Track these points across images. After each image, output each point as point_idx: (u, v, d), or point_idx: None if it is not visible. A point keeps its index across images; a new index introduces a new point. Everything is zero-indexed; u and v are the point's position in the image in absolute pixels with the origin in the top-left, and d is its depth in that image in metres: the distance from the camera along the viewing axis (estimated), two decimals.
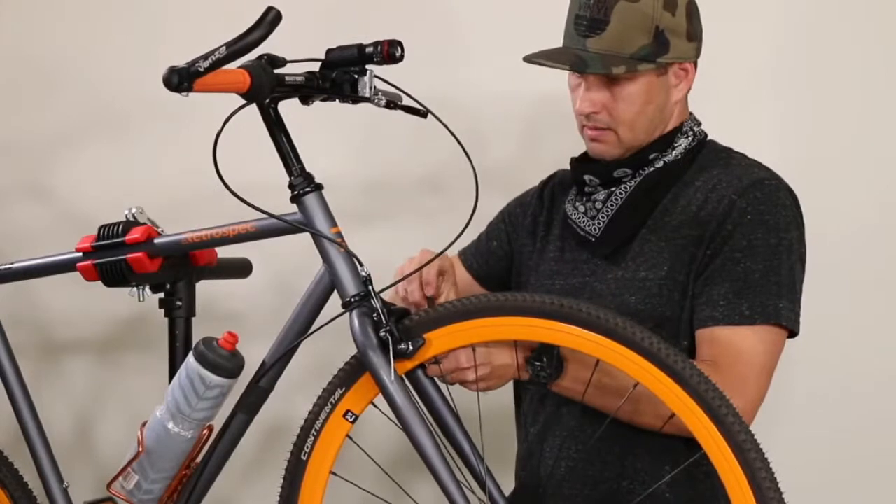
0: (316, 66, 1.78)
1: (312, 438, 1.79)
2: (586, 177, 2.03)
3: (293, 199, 1.80)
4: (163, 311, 2.02)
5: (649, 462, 1.94)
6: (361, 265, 1.77)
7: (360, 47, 1.76)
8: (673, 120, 2.02)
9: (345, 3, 2.70)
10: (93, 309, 2.79)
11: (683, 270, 1.95)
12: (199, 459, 1.89)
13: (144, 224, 1.94)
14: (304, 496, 1.80)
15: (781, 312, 1.89)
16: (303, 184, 1.79)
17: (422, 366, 1.78)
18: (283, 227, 1.80)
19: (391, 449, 2.36)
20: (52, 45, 2.86)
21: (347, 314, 1.75)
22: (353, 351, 1.75)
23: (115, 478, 1.90)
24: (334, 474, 1.81)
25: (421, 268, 1.90)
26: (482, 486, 1.77)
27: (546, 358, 1.85)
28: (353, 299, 1.75)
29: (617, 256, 2.01)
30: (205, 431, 1.88)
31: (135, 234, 1.92)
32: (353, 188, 2.66)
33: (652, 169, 2.00)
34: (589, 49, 1.94)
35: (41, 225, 2.81)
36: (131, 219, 1.95)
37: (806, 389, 2.50)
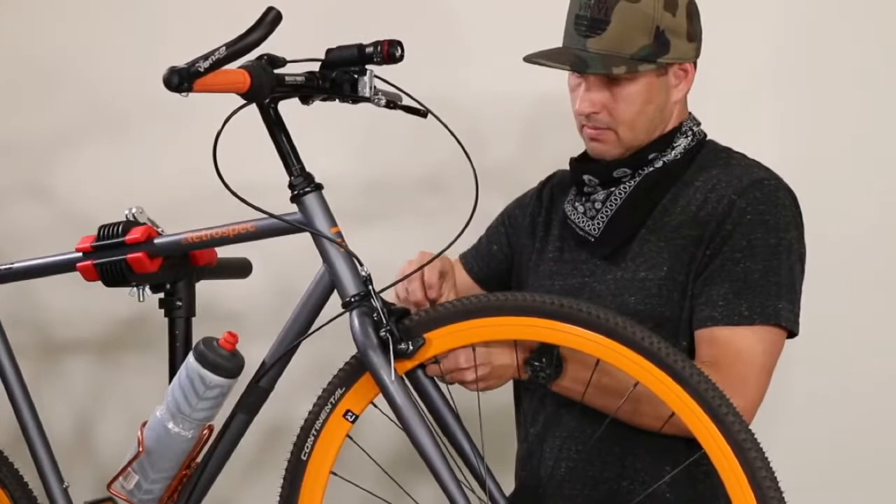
0: (316, 66, 1.79)
1: (312, 438, 1.80)
2: (585, 177, 2.03)
3: (293, 199, 1.80)
4: (163, 311, 2.02)
5: (649, 462, 1.94)
6: (361, 265, 1.77)
7: (360, 47, 1.76)
8: (672, 120, 2.02)
9: (345, 3, 2.70)
10: (93, 309, 2.79)
11: (683, 271, 1.95)
12: (199, 459, 1.89)
13: (144, 224, 1.94)
14: (304, 496, 1.80)
15: (781, 313, 1.89)
16: (303, 184, 1.79)
17: (422, 365, 1.78)
18: (283, 227, 1.80)
19: (391, 449, 2.36)
20: (52, 45, 2.86)
21: (347, 314, 1.75)
22: (353, 351, 1.75)
23: (116, 478, 1.90)
24: (334, 474, 1.81)
25: (422, 267, 1.90)
26: (482, 485, 1.77)
27: (545, 358, 1.85)
28: (353, 299, 1.75)
29: (616, 257, 2.01)
30: (205, 431, 1.88)
31: (135, 234, 1.92)
32: (353, 188, 2.66)
33: (651, 169, 2.00)
34: (589, 49, 1.94)
35: (41, 225, 2.81)
36: (131, 219, 1.95)
37: (806, 389, 2.50)
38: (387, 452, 2.31)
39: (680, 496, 1.93)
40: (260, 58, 1.71)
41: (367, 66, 1.77)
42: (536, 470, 2.03)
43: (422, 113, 1.84)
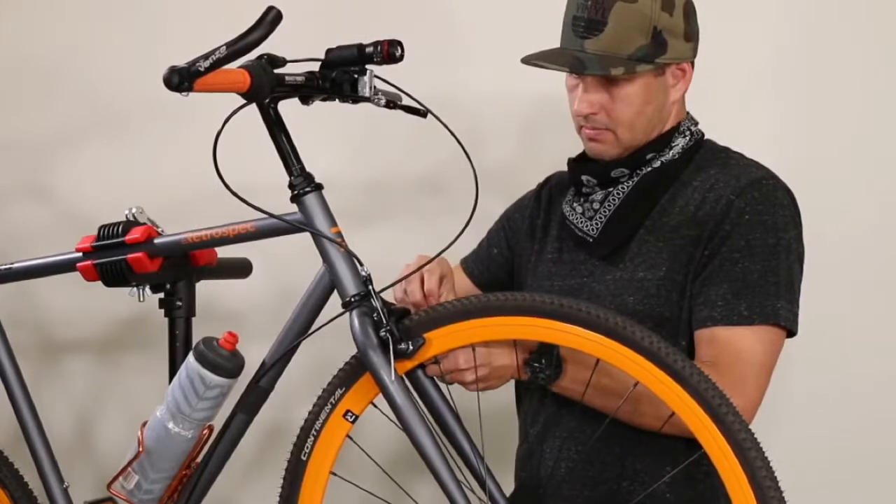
0: (316, 66, 1.79)
1: (312, 438, 1.80)
2: (584, 177, 2.03)
3: (293, 199, 1.80)
4: (163, 311, 2.03)
5: (649, 462, 1.94)
6: (361, 265, 1.77)
7: (360, 47, 1.76)
8: (670, 120, 2.02)
9: (345, 3, 2.70)
10: (93, 309, 2.79)
11: (682, 271, 1.95)
12: (199, 459, 1.89)
13: (144, 224, 1.94)
14: (304, 496, 1.80)
15: (780, 312, 1.89)
16: (303, 184, 1.79)
17: (422, 365, 1.78)
18: (283, 227, 1.80)
19: (391, 449, 2.36)
20: (52, 45, 2.86)
21: (347, 314, 1.75)
22: (353, 351, 1.75)
23: (116, 478, 1.90)
24: (334, 474, 1.81)
25: (421, 267, 1.90)
26: (482, 485, 1.77)
27: (545, 359, 1.85)
28: (353, 299, 1.75)
29: (615, 257, 2.01)
30: (205, 431, 1.88)
31: (135, 234, 1.92)
32: (353, 188, 2.66)
33: (649, 169, 2.00)
34: (587, 50, 1.93)
35: (41, 225, 2.81)
36: (131, 219, 1.95)
37: (806, 389, 2.50)
38: (387, 453, 2.31)
39: (680, 496, 1.93)
40: (260, 58, 1.71)
41: (367, 66, 1.77)
42: (536, 470, 2.03)
43: (422, 113, 1.84)
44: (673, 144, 2.01)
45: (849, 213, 2.50)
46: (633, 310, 1.93)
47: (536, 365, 1.85)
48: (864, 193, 2.51)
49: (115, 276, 1.94)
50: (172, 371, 1.98)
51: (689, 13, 1.98)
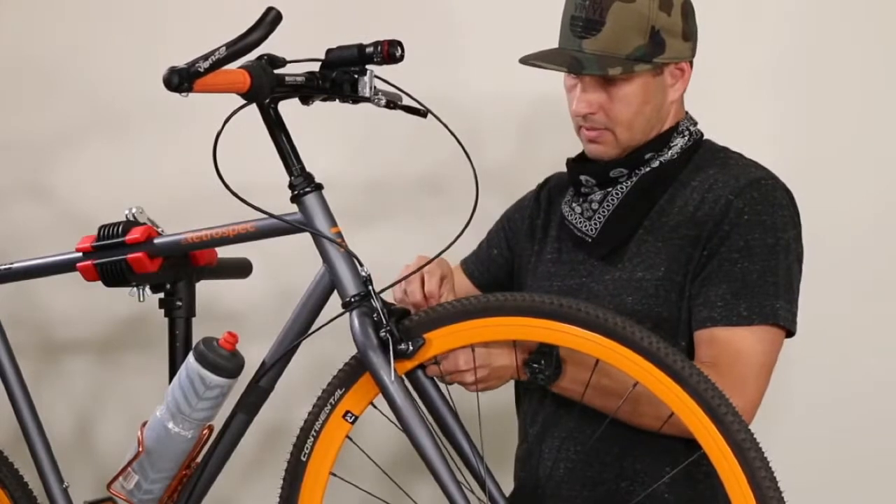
0: (316, 66, 1.78)
1: (312, 439, 1.80)
2: (582, 177, 2.03)
3: (293, 199, 1.80)
4: (163, 311, 2.03)
5: (648, 463, 1.94)
6: (361, 265, 1.77)
7: (360, 47, 1.76)
8: (669, 120, 2.02)
9: (345, 3, 2.70)
10: (93, 309, 2.79)
11: (681, 271, 1.94)
12: (199, 459, 1.90)
13: (144, 224, 1.94)
14: (304, 497, 1.80)
15: (779, 313, 1.89)
16: (303, 184, 1.79)
17: (421, 366, 1.78)
18: (283, 227, 1.80)
19: (391, 449, 2.36)
20: (52, 45, 2.86)
21: (347, 314, 1.75)
22: (353, 351, 1.75)
23: (115, 478, 1.90)
24: (334, 475, 1.81)
25: (421, 268, 1.90)
26: (482, 486, 1.77)
27: (545, 359, 1.85)
28: (353, 299, 1.75)
29: (614, 257, 2.01)
30: (205, 431, 1.88)
31: (135, 234, 1.92)
32: (353, 188, 2.66)
33: (648, 169, 2.00)
34: (585, 50, 1.93)
35: (41, 225, 2.81)
36: (131, 219, 1.95)
37: (805, 389, 2.49)
38: (386, 453, 2.31)
39: (679, 497, 1.93)
40: (260, 58, 1.71)
41: (367, 66, 1.77)
42: (535, 470, 2.03)
43: (422, 113, 1.84)
44: (672, 144, 2.01)
45: (849, 213, 2.50)
46: (632, 310, 1.93)
47: (536, 365, 1.85)
48: (864, 193, 2.51)
49: (115, 276, 1.94)
50: (172, 371, 1.98)
51: (688, 13, 1.98)
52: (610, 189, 2.01)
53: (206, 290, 2.10)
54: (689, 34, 1.98)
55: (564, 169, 2.09)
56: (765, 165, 2.00)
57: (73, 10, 2.86)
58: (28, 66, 2.87)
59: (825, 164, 2.51)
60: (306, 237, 1.80)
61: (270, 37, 1.63)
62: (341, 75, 1.77)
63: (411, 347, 1.71)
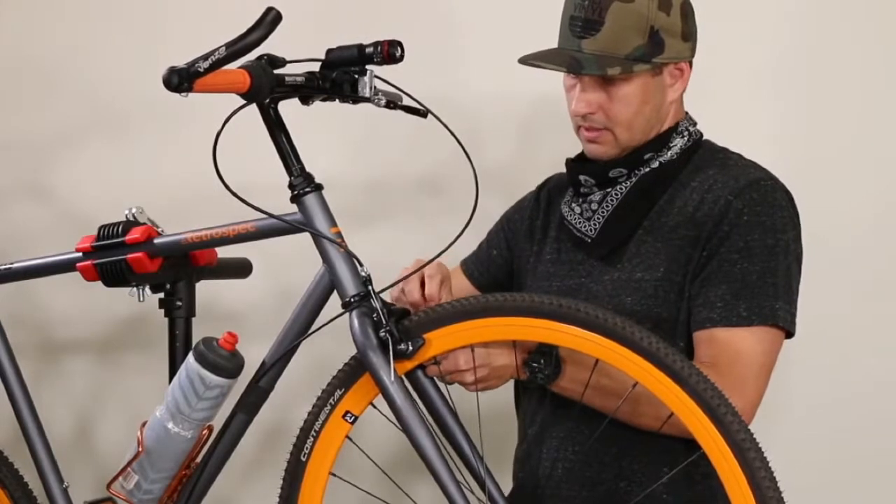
0: (316, 66, 1.78)
1: (312, 439, 1.80)
2: (582, 177, 2.03)
3: (293, 199, 1.80)
4: (163, 311, 2.03)
5: (647, 463, 1.94)
6: (361, 265, 1.77)
7: (360, 47, 1.76)
8: (668, 120, 2.02)
9: (345, 3, 2.70)
10: (93, 309, 2.79)
11: (680, 271, 1.94)
12: (199, 459, 1.89)
13: (144, 224, 1.94)
14: (304, 497, 1.80)
15: (778, 313, 1.89)
16: (303, 184, 1.79)
17: (421, 366, 1.78)
18: (283, 227, 1.80)
19: (391, 450, 2.36)
20: (52, 45, 2.86)
21: (347, 314, 1.75)
22: (353, 351, 1.75)
23: (115, 478, 1.90)
24: (334, 475, 1.81)
25: (421, 267, 1.90)
26: (482, 486, 1.77)
27: (544, 359, 1.85)
28: (352, 299, 1.75)
29: (613, 257, 2.01)
30: (205, 431, 1.88)
31: (135, 234, 1.92)
32: (353, 188, 2.66)
33: (647, 169, 2.00)
34: (584, 50, 1.93)
35: (41, 225, 2.81)
36: (131, 219, 1.95)
37: (805, 389, 2.50)
38: (386, 453, 2.31)
39: (678, 497, 1.93)
40: (260, 58, 1.71)
41: (367, 67, 1.77)
42: (534, 470, 2.03)
43: (422, 113, 1.84)
44: (671, 145, 2.01)
45: (848, 214, 2.50)
46: (631, 310, 1.93)
47: (535, 365, 1.85)
48: (864, 193, 2.51)
49: (115, 276, 1.94)
50: (172, 371, 1.98)
51: (687, 13, 1.98)
52: (609, 189, 2.01)
53: (206, 290, 2.10)
54: (689, 34, 1.98)
55: (564, 169, 2.09)
56: (764, 166, 2.00)
57: (73, 10, 2.86)
58: (28, 66, 2.87)
59: (825, 164, 2.51)
60: (306, 237, 1.80)
61: (270, 37, 1.63)
62: (341, 75, 1.77)
63: (411, 347, 1.71)
